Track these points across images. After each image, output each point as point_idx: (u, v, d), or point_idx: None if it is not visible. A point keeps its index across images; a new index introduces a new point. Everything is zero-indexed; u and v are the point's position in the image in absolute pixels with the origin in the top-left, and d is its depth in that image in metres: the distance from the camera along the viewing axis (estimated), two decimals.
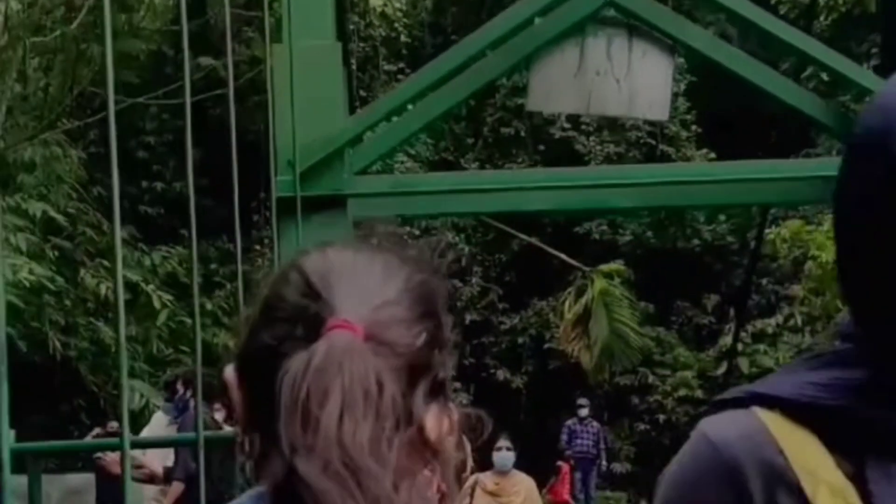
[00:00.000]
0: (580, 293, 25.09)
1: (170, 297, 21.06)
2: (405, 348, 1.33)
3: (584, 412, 22.32)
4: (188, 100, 3.10)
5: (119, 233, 2.18)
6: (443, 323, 1.42)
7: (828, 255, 15.52)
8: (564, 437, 22.15)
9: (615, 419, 26.18)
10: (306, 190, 6.78)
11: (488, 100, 26.78)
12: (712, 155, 27.05)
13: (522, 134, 26.49)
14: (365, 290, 1.36)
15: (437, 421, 1.37)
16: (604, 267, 25.06)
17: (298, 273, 1.39)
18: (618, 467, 25.22)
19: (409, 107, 7.68)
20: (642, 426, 26.23)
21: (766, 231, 18.94)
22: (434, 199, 7.63)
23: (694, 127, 27.37)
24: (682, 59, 25.54)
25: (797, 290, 18.51)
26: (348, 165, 7.17)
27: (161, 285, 21.43)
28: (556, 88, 7.47)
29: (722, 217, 27.86)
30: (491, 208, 8.21)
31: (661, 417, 25.97)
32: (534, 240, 25.74)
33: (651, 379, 26.25)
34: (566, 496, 22.13)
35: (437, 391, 1.38)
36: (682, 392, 26.07)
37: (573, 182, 7.53)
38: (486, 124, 26.95)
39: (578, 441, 22.24)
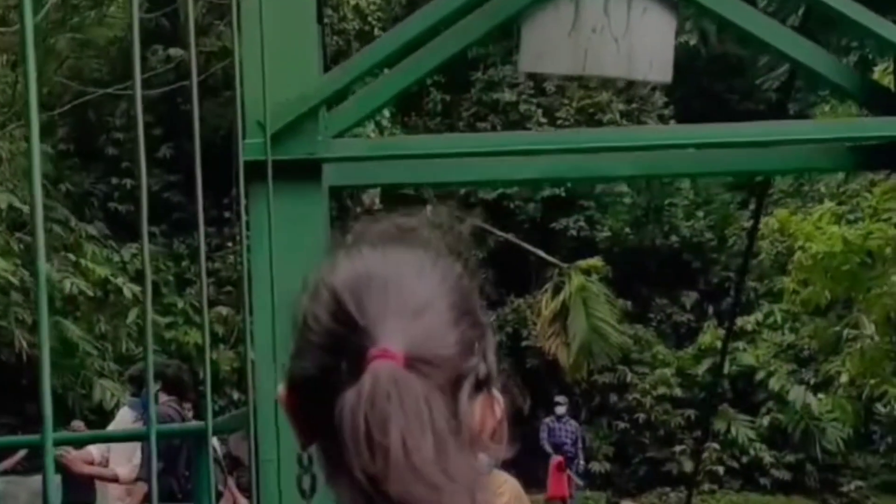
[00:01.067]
0: (557, 290, 24.48)
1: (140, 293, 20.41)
2: (446, 361, 1.36)
3: (561, 410, 21.73)
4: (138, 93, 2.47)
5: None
6: (479, 317, 1.44)
7: (817, 245, 14.92)
8: (544, 434, 21.51)
9: (593, 418, 25.50)
10: (277, 153, 6.07)
11: (464, 93, 26.16)
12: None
13: (498, 129, 25.80)
14: (399, 302, 1.37)
15: (483, 411, 1.42)
16: (581, 263, 24.42)
17: (328, 291, 1.41)
18: (596, 466, 24.57)
19: (387, 70, 7.00)
20: (621, 425, 25.59)
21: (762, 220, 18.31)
22: (418, 165, 6.90)
23: (672, 121, 26.75)
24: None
25: (783, 283, 17.83)
26: (323, 128, 6.46)
27: (130, 282, 20.83)
28: (549, 47, 6.78)
29: (700, 213, 27.31)
30: (483, 176, 7.45)
31: (641, 416, 25.32)
32: (510, 236, 25.10)
33: (629, 377, 25.61)
34: (565, 490, 21.65)
35: (481, 385, 1.41)
36: (661, 390, 25.45)
37: (575, 145, 6.78)
38: (462, 119, 26.27)
39: (557, 439, 21.67)
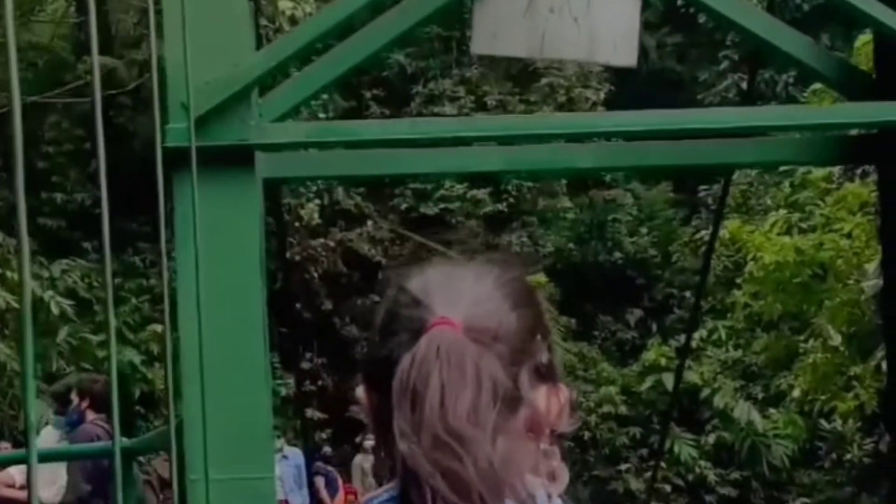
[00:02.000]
0: None
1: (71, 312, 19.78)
2: (503, 334, 1.54)
3: None
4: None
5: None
6: (538, 313, 1.65)
7: (769, 256, 14.41)
8: None
9: None
10: (204, 139, 5.37)
11: (403, 107, 25.54)
12: None
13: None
14: (460, 292, 1.58)
15: (546, 401, 1.62)
16: None
17: (403, 292, 1.62)
18: None
19: (324, 53, 6.32)
20: (566, 443, 24.89)
21: (704, 233, 17.81)
22: (367, 156, 6.21)
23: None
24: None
25: (734, 297, 17.31)
26: (256, 112, 5.78)
27: (60, 298, 19.99)
28: (504, 28, 6.14)
29: (644, 229, 26.87)
30: (439, 167, 6.75)
31: (585, 434, 24.71)
32: (452, 252, 24.46)
33: (574, 395, 24.95)
34: None
35: (542, 374, 1.61)
36: (606, 408, 24.88)
37: (541, 130, 6.07)
38: None
39: None
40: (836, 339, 13.93)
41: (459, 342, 1.48)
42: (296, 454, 16.93)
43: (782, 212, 15.53)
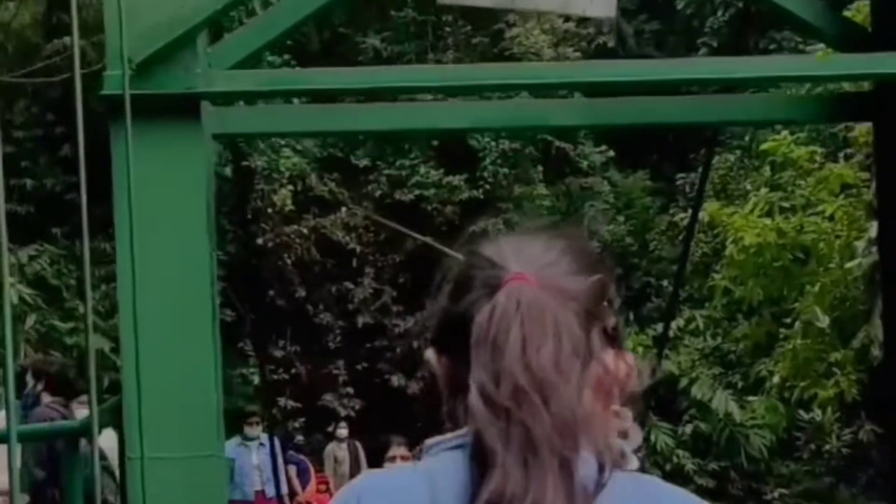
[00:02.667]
0: None
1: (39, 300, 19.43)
2: (575, 294, 1.57)
3: None
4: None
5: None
6: (605, 280, 1.65)
7: (750, 238, 13.93)
8: None
9: None
10: (142, 87, 4.86)
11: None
12: (611, 153, 25.71)
13: None
14: (532, 255, 1.62)
15: (615, 363, 1.62)
16: None
17: (476, 255, 1.68)
18: None
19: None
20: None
21: (681, 217, 17.35)
22: (328, 111, 5.66)
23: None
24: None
25: (714, 281, 16.77)
26: (204, 61, 5.26)
27: (28, 286, 19.59)
28: None
29: (620, 217, 26.40)
30: (399, 124, 6.12)
31: None
32: (428, 239, 23.94)
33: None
34: None
35: (610, 337, 1.62)
36: None
37: (533, 80, 5.51)
38: None
39: None
40: (825, 321, 13.46)
41: (538, 295, 1.52)
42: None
43: (763, 191, 15.00)
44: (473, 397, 1.46)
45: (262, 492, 16.33)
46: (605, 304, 1.62)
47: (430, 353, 1.65)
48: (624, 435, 1.61)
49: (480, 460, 1.46)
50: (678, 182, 25.15)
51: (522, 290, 1.52)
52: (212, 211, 5.34)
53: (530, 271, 1.56)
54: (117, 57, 4.91)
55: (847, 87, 7.56)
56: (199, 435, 5.17)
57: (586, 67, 6.58)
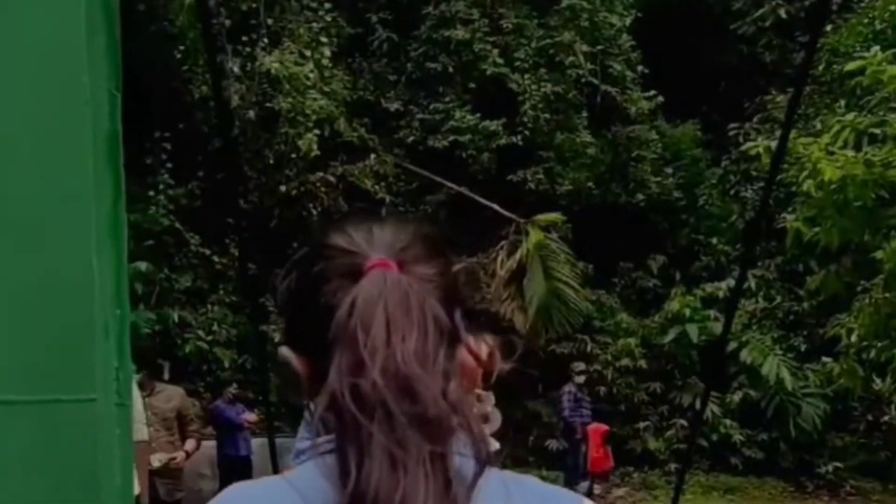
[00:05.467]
0: (514, 248, 21.22)
1: None
2: (434, 278, 1.46)
3: (581, 378, 19.66)
4: None
5: None
6: (465, 262, 1.56)
7: (831, 173, 11.72)
8: (570, 404, 19.02)
9: (550, 391, 22.13)
10: None
11: (413, 31, 22.89)
12: (660, 98, 23.45)
13: (451, 70, 22.48)
14: (386, 241, 1.49)
15: (477, 346, 1.49)
16: (540, 217, 21.11)
17: (327, 246, 1.49)
18: (553, 444, 21.36)
19: None
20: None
21: (752, 143, 15.08)
22: None
23: (640, 67, 23.53)
24: None
25: (786, 222, 14.41)
26: None
27: None
28: None
29: (669, 170, 24.20)
30: None
31: (602, 389, 22.11)
32: (463, 189, 21.85)
33: (590, 347, 22.42)
34: (610, 464, 19.55)
35: (470, 320, 1.49)
36: (625, 362, 22.29)
37: None
38: (411, 59, 22.94)
39: (584, 410, 19.19)
40: None
41: (400, 281, 1.42)
42: None
43: (849, 116, 12.69)
44: (336, 395, 1.32)
45: None
46: (465, 285, 1.51)
47: (287, 353, 1.50)
48: (485, 419, 1.75)
49: (347, 462, 1.32)
50: (730, 132, 22.88)
51: (386, 277, 1.41)
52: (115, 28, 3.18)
53: (390, 257, 1.45)
54: None
55: None
56: (72, 376, 3.09)
57: None
